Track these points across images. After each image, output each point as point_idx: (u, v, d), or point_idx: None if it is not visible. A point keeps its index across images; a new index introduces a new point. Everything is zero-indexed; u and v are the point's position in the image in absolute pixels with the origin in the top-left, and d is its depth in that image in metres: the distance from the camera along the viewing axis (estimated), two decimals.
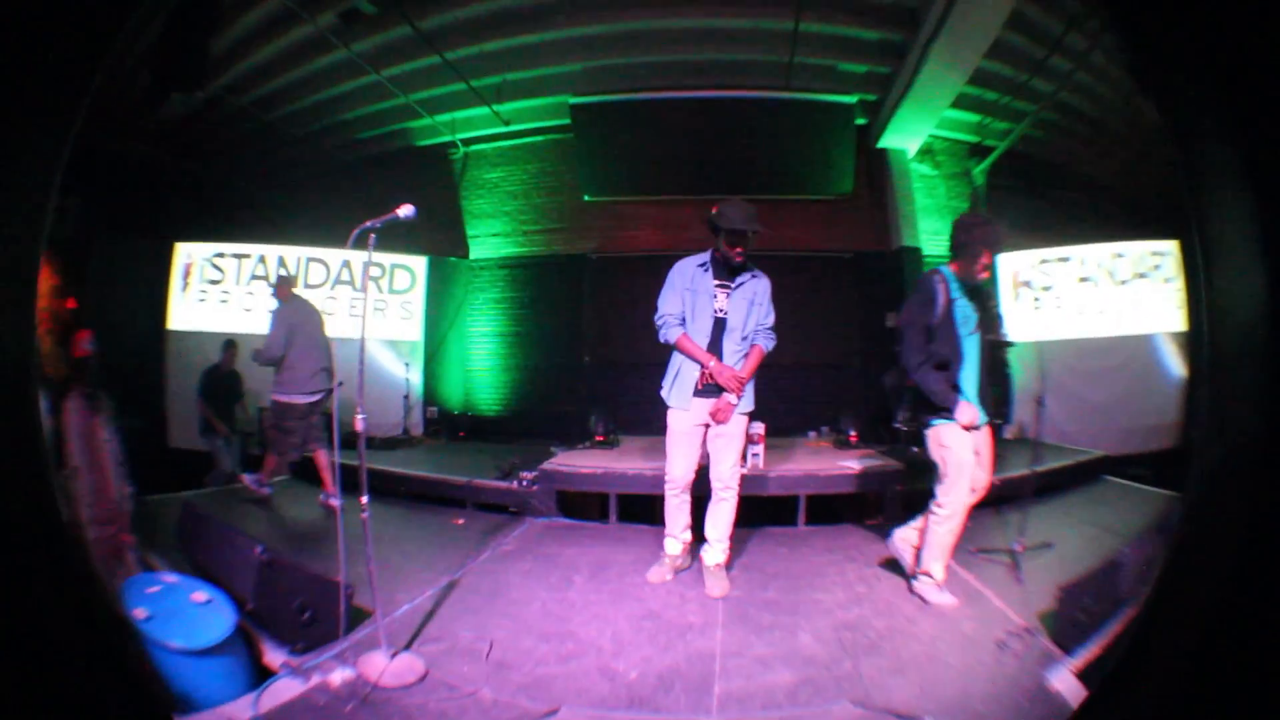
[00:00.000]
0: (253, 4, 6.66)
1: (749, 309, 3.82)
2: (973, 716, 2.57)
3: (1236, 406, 1.52)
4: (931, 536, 3.61)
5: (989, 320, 3.72)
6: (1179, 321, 7.71)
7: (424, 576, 4.03)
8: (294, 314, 5.57)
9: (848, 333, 8.92)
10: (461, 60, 7.71)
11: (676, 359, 3.90)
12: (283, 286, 5.75)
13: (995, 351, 7.37)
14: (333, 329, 8.03)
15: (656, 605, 3.63)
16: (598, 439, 6.94)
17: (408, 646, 3.07)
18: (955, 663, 2.96)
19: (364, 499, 2.95)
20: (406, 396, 8.97)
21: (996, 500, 5.24)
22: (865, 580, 3.98)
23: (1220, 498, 1.54)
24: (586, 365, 9.26)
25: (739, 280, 3.83)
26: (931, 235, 8.91)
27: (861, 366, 8.75)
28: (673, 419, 3.91)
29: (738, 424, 3.86)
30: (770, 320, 3.90)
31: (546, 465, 5.72)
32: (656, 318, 3.89)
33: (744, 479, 5.14)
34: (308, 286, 8.71)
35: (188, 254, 8.49)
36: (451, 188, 9.92)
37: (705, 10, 7.01)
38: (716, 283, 3.82)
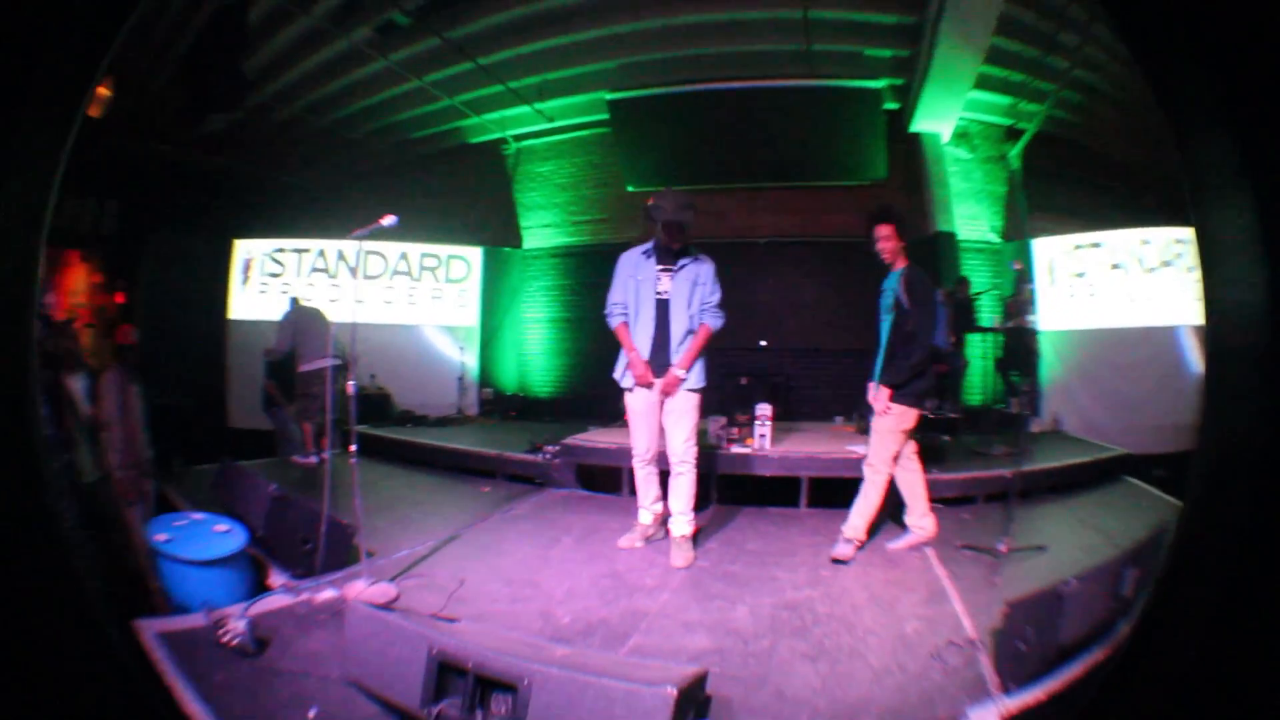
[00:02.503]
0: (284, 24, 7.10)
1: (692, 289, 4.04)
2: None
3: (1236, 407, 1.51)
4: None
5: (898, 303, 3.99)
6: (1197, 313, 7.19)
7: (433, 531, 4.49)
8: (296, 318, 6.77)
9: None
10: (498, 64, 8.11)
11: None
12: (295, 306, 7.03)
13: (1023, 339, 7.39)
14: (384, 316, 8.97)
15: (622, 567, 3.91)
16: (625, 418, 7.24)
17: (392, 579, 3.56)
18: (875, 663, 2.78)
19: (353, 448, 3.57)
20: (461, 378, 9.59)
21: (998, 497, 5.06)
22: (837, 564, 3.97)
23: (1217, 504, 1.51)
24: None
25: (681, 263, 4.06)
26: (968, 220, 8.85)
27: None
28: (629, 399, 4.21)
29: (686, 400, 4.08)
30: (715, 298, 4.09)
31: (568, 440, 6.08)
32: (606, 309, 4.20)
33: (745, 459, 5.44)
34: (366, 277, 9.42)
35: (247, 250, 9.29)
36: (504, 181, 10.45)
37: (718, 4, 7.17)
38: (659, 267, 4.08)
